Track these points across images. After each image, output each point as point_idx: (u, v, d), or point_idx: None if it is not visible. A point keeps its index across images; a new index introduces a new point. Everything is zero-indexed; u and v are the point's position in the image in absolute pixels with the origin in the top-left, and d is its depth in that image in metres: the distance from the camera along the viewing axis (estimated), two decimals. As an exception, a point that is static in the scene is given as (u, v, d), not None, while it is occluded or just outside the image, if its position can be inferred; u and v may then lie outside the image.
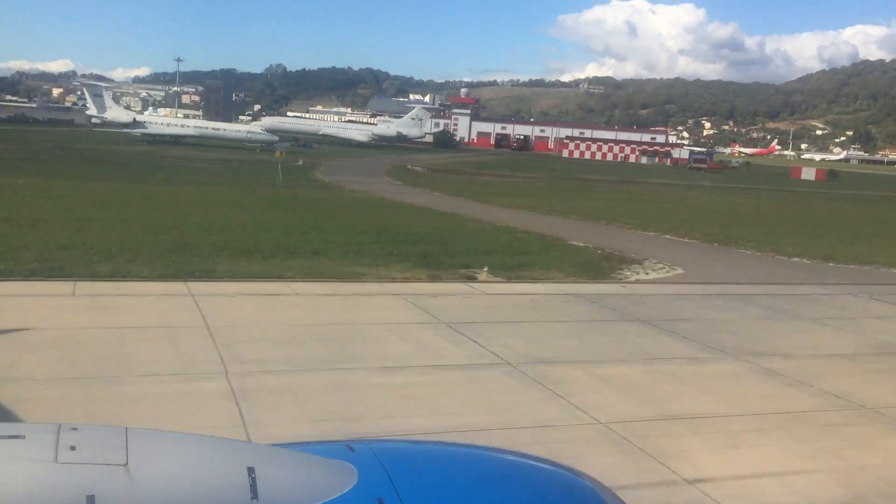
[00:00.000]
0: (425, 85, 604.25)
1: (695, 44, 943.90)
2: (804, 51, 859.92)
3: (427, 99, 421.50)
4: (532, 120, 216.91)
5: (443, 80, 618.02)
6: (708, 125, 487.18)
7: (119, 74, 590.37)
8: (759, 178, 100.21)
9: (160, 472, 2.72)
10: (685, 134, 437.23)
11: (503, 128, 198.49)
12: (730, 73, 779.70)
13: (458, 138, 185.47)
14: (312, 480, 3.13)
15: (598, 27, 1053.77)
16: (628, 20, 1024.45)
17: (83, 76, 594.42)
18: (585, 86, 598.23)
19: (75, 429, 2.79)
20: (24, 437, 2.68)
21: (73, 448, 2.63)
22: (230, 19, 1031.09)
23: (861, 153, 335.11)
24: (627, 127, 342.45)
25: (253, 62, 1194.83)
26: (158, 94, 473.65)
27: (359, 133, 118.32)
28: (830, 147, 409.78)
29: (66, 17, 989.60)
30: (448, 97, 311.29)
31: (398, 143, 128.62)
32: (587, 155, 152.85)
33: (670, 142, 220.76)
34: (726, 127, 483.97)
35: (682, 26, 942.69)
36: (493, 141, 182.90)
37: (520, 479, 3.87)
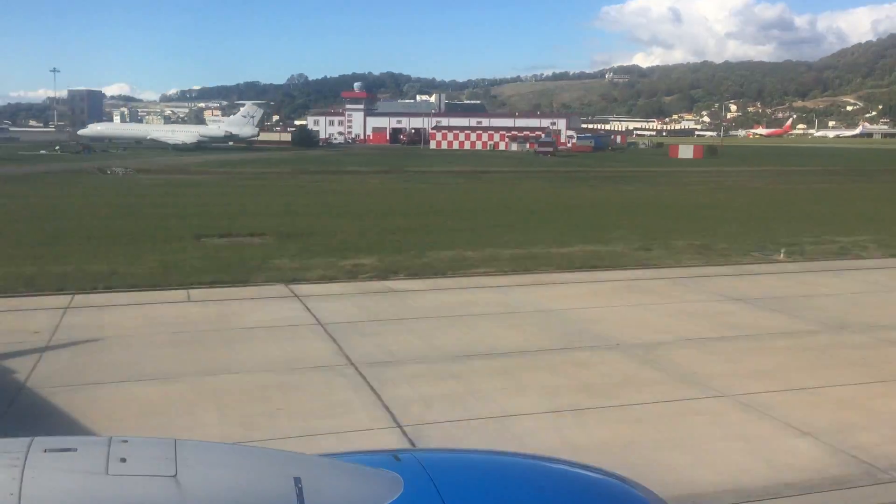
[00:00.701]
0: (447, 85, 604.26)
1: (742, 26, 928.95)
2: (858, 26, 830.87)
3: (433, 99, 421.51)
4: (434, 112, 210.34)
5: (465, 80, 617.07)
6: (734, 108, 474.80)
7: (147, 95, 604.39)
8: (633, 160, 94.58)
9: (209, 482, 2.76)
10: (706, 118, 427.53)
11: (398, 122, 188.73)
12: (780, 53, 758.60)
13: (353, 135, 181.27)
14: (359, 490, 3.14)
15: (643, 16, 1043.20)
16: (673, 7, 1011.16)
17: (112, 98, 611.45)
18: (611, 76, 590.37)
19: (125, 441, 2.85)
20: (76, 449, 2.74)
21: (123, 460, 2.70)
22: (253, 34, 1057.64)
23: (884, 127, 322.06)
24: (559, 114, 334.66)
25: (276, 73, 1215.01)
26: (182, 111, 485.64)
27: (186, 135, 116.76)
28: (860, 122, 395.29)
29: (89, 43, 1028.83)
30: (338, 93, 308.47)
31: (232, 142, 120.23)
32: (455, 144, 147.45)
33: (605, 128, 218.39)
34: (752, 109, 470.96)
35: (729, 9, 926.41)
36: (388, 136, 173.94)
37: (570, 489, 3.82)
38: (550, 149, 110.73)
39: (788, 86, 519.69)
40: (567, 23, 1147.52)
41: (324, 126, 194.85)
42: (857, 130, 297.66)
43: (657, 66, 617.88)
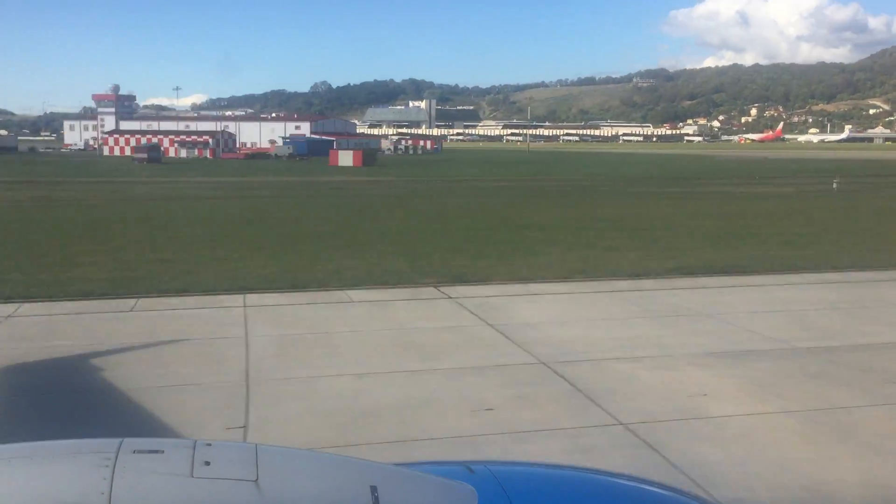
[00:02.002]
0: (470, 91, 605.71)
1: (814, 28, 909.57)
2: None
3: (423, 105, 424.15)
4: (229, 114, 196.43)
5: (488, 86, 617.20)
6: (754, 112, 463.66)
7: (179, 103, 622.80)
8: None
9: (288, 488, 2.84)
10: (716, 123, 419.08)
11: (148, 125, 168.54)
12: (854, 55, 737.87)
13: (97, 141, 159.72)
14: (433, 501, 3.21)
15: (713, 19, 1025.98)
16: (742, 10, 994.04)
17: (146, 107, 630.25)
18: (637, 80, 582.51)
19: (209, 444, 2.96)
20: (162, 451, 2.87)
21: (207, 463, 2.80)
22: (281, 43, 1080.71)
23: (887, 131, 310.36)
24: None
25: (302, 81, 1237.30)
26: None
27: None
28: (881, 126, 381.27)
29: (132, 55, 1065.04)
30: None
31: None
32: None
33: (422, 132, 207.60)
34: (769, 113, 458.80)
35: (800, 12, 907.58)
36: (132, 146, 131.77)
37: None
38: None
39: (816, 88, 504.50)
40: (634, 26, 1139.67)
41: (79, 131, 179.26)
42: (844, 135, 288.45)
43: (685, 69, 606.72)
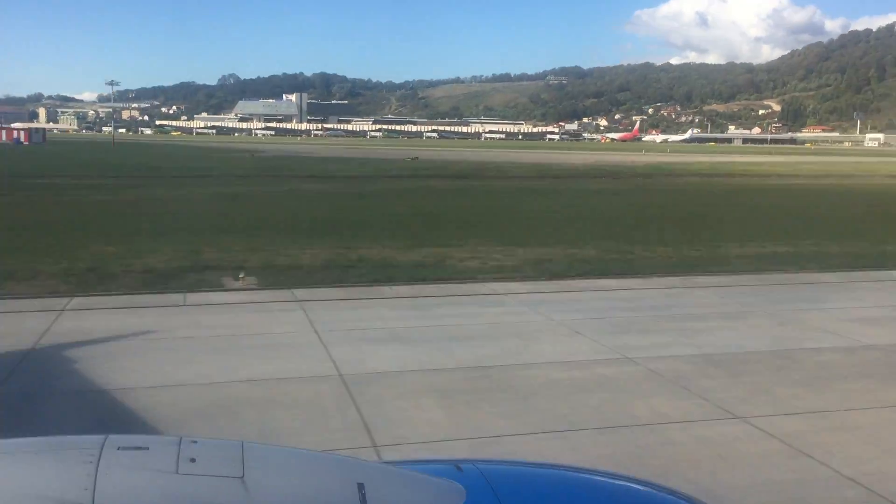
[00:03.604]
0: (383, 86, 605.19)
1: (772, 30, 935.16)
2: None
3: (294, 98, 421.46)
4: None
5: (401, 81, 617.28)
6: (651, 111, 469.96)
7: (87, 96, 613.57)
8: None
9: (274, 485, 2.81)
10: (603, 122, 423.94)
11: None
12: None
13: None
14: (421, 499, 3.19)
15: (676, 20, 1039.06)
16: (704, 11, 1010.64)
17: (49, 98, 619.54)
18: (550, 78, 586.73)
19: (195, 442, 2.93)
20: (147, 448, 2.84)
21: (193, 460, 2.77)
22: (192, 35, 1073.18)
23: (746, 132, 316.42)
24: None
25: (213, 74, 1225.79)
26: (103, 112, 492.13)
27: None
28: (759, 127, 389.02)
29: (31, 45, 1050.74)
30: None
31: None
32: None
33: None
34: (665, 113, 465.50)
35: (759, 13, 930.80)
36: None
37: None
38: None
39: (719, 88, 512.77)
40: (599, 26, 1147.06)
41: None
42: (687, 135, 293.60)
43: (598, 67, 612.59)
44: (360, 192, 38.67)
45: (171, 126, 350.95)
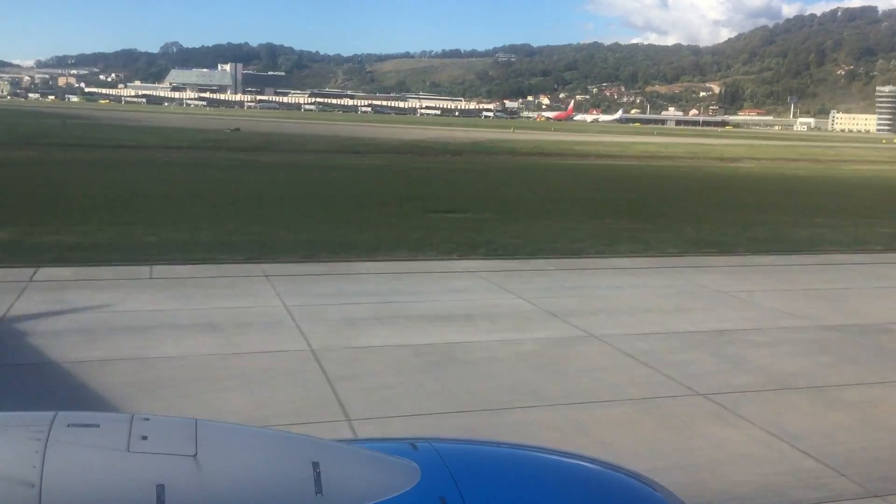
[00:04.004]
0: (331, 59, 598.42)
1: (731, 13, 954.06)
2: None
3: (228, 68, 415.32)
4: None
5: (350, 55, 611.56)
6: (595, 91, 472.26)
7: (25, 62, 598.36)
8: None
9: (228, 463, 2.76)
10: (546, 101, 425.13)
11: None
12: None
13: None
14: (376, 477, 3.14)
15: (638, 1, 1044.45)
16: None
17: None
18: (499, 55, 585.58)
19: (147, 419, 2.85)
20: (98, 425, 2.76)
21: (144, 438, 2.71)
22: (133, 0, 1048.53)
23: (681, 114, 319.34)
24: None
25: (155, 41, 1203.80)
26: (39, 78, 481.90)
27: None
28: (697, 109, 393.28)
29: None
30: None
31: None
32: None
33: None
34: (608, 93, 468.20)
35: None
36: None
37: (586, 486, 3.80)
38: None
39: (664, 70, 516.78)
40: (559, 5, 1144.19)
41: None
42: (617, 115, 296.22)
43: (547, 45, 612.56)
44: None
45: (101, 94, 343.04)
